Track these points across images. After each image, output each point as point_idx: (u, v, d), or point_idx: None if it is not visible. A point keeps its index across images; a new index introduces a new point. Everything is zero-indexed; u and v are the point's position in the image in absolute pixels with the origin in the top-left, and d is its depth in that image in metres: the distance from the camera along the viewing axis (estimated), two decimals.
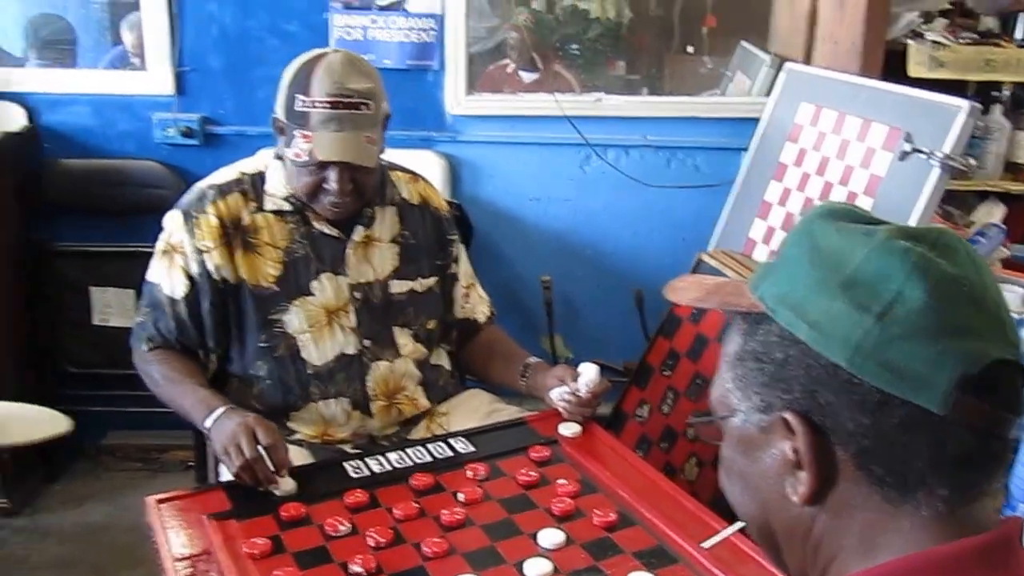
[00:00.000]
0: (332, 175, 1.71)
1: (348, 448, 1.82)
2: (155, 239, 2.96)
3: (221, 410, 1.62)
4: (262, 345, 1.81)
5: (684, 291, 0.85)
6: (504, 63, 3.47)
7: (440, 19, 2.83)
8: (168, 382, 1.77)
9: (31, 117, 2.84)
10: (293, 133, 1.70)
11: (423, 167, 2.19)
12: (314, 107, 1.66)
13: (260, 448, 1.53)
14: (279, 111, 1.74)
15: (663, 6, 3.97)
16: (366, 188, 1.78)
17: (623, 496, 1.54)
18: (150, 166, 2.87)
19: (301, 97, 1.68)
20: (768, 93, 2.73)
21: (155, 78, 2.82)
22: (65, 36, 3.13)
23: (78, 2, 3.20)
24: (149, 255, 2.97)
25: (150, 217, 2.90)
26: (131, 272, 2.86)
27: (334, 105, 1.66)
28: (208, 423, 1.63)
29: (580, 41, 3.82)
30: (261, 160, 1.89)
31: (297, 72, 1.71)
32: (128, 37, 3.07)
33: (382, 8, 2.79)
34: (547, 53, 3.61)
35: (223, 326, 1.81)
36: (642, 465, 1.68)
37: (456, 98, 2.90)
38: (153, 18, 2.78)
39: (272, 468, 1.54)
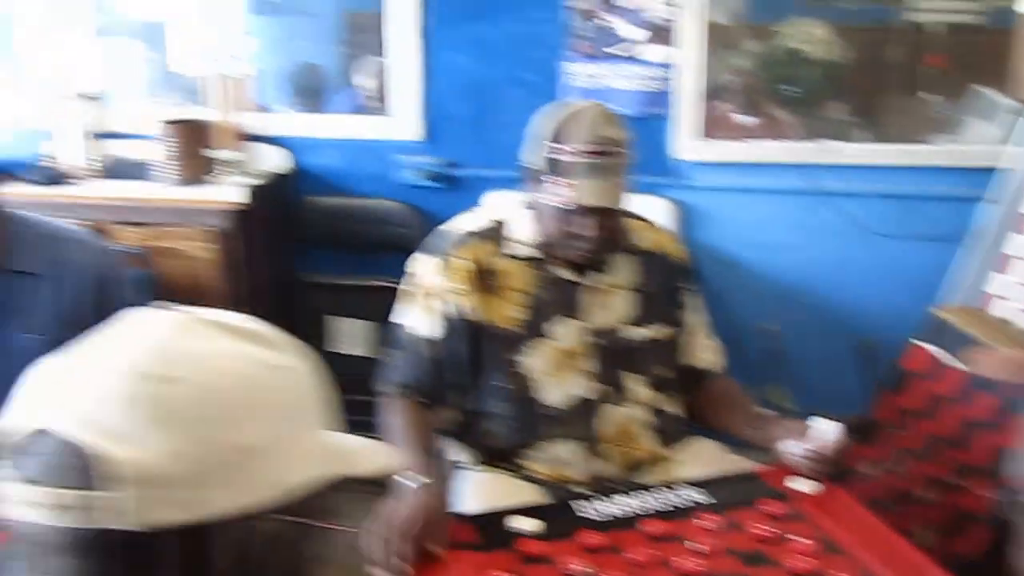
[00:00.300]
0: (587, 220, 1.79)
1: (580, 489, 1.89)
2: (394, 275, 3.15)
3: (412, 482, 1.64)
4: (500, 385, 1.90)
5: (996, 365, 0.85)
6: (719, 106, 3.48)
7: (672, 68, 2.90)
8: (393, 433, 1.85)
9: (293, 159, 3.13)
10: (551, 181, 1.79)
11: (650, 213, 2.24)
12: (574, 156, 1.76)
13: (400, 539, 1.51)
14: (533, 160, 1.84)
15: (886, 47, 3.85)
16: (615, 232, 1.86)
17: (865, 559, 1.52)
18: (394, 206, 3.08)
19: (559, 147, 1.77)
20: (1008, 141, 2.62)
21: (403, 124, 3.04)
22: (318, 83, 3.39)
23: (325, 51, 3.43)
24: (387, 289, 3.17)
25: (391, 254, 3.12)
26: (368, 304, 3.07)
27: (594, 154, 1.75)
28: (395, 482, 1.65)
29: (798, 83, 3.76)
30: (505, 207, 2.00)
31: (552, 123, 1.81)
32: (362, 82, 3.25)
33: (616, 57, 2.88)
34: (765, 96, 3.59)
35: (470, 365, 1.92)
36: (882, 527, 1.65)
37: (686, 144, 2.95)
38: (403, 69, 3.00)
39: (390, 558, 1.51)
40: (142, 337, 0.70)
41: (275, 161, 3.10)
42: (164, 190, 2.89)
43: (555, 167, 1.78)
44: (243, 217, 2.84)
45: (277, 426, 0.69)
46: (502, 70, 2.95)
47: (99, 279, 2.20)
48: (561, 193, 1.78)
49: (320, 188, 3.14)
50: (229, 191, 2.88)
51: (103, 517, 0.63)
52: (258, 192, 2.91)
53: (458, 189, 3.06)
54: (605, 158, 1.76)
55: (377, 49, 3.17)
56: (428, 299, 1.93)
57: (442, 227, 2.00)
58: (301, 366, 0.74)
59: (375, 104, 3.21)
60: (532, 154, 1.84)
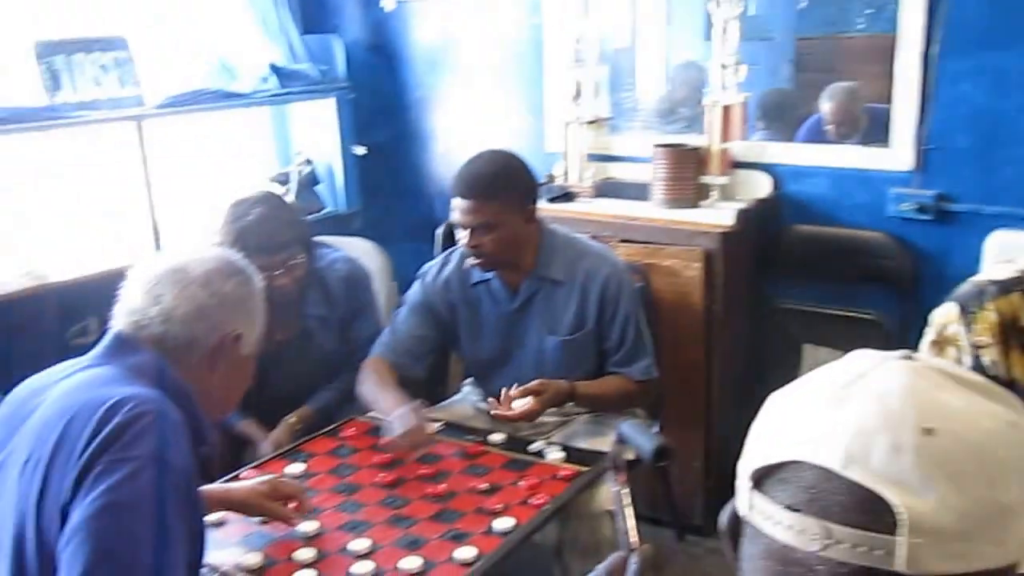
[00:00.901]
0: None
1: None
2: (873, 306, 3.08)
3: None
4: None
5: None
6: None
7: None
8: None
9: (776, 186, 3.18)
10: None
11: None
12: None
13: None
14: None
15: None
16: None
17: None
18: (878, 237, 3.00)
19: None
20: None
21: (897, 155, 2.95)
22: (788, 109, 3.36)
23: (786, 76, 3.41)
24: (864, 321, 3.11)
25: (870, 286, 3.06)
26: (845, 335, 3.03)
27: None
28: None
29: None
30: None
31: None
32: (827, 106, 3.19)
33: None
34: None
35: None
36: None
37: None
38: (904, 98, 2.91)
39: None
40: (887, 382, 0.71)
41: (759, 188, 3.17)
42: (656, 210, 3.08)
43: None
44: (728, 240, 2.94)
45: None
46: (1018, 102, 2.74)
47: (613, 289, 2.42)
48: None
49: (804, 216, 3.15)
50: (717, 214, 2.99)
51: (873, 557, 0.64)
52: (743, 217, 3.00)
53: (951, 224, 2.91)
54: None
55: (836, 75, 3.13)
56: (939, 347, 1.88)
57: (973, 278, 1.92)
58: None
59: (840, 130, 3.16)
60: None
